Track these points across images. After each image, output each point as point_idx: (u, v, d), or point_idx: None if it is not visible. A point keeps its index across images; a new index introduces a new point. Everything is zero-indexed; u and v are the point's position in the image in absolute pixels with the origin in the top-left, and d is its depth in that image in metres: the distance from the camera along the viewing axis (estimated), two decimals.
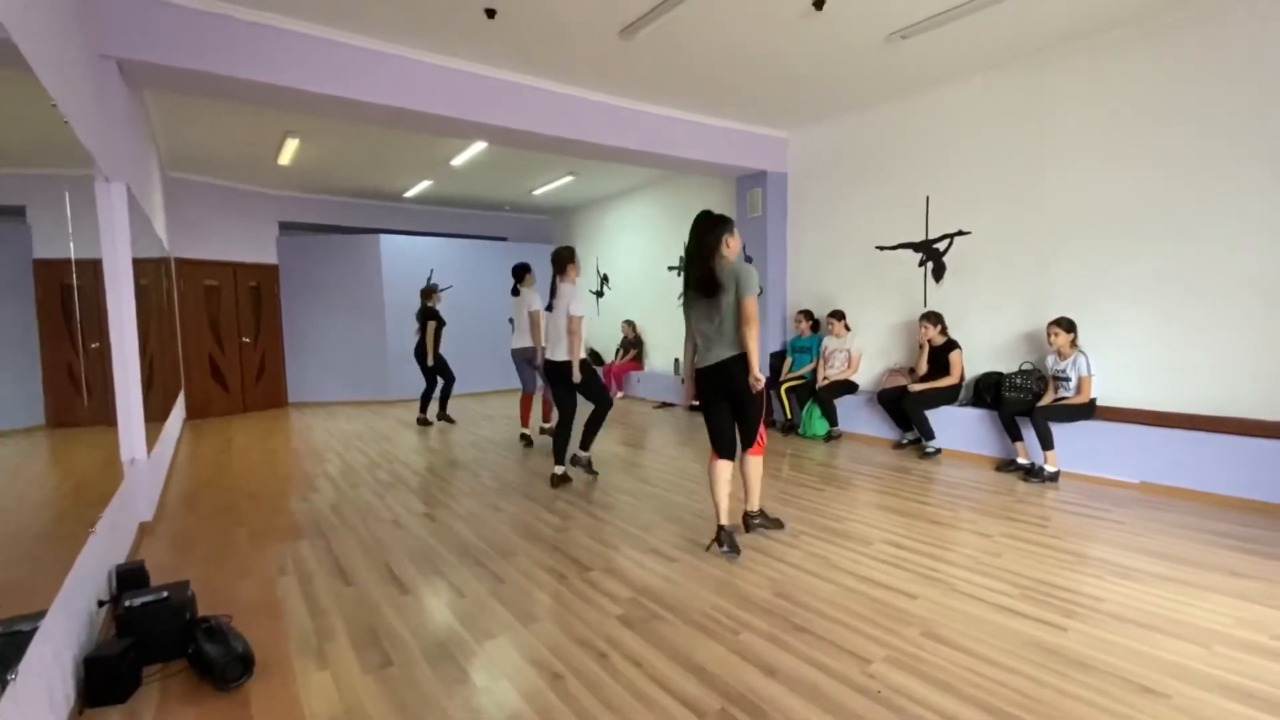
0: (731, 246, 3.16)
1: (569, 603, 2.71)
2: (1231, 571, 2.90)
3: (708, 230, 3.14)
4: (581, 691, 2.05)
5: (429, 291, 7.24)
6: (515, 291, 6.03)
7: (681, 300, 3.30)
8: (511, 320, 6.27)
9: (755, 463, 3.38)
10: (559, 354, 4.53)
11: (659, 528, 3.63)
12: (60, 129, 2.38)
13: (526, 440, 6.05)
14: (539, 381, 6.08)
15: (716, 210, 3.25)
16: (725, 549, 3.15)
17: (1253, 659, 2.17)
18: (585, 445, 4.78)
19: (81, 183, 2.80)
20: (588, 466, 4.77)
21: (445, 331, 7.36)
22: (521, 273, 5.97)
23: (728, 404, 3.24)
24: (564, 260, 4.67)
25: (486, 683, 2.12)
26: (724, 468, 3.26)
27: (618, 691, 2.05)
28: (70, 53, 2.78)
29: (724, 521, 3.23)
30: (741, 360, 3.09)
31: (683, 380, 3.21)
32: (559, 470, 4.54)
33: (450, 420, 7.26)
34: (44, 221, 2.20)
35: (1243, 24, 3.90)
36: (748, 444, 3.32)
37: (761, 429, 3.31)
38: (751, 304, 3.04)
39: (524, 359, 6.05)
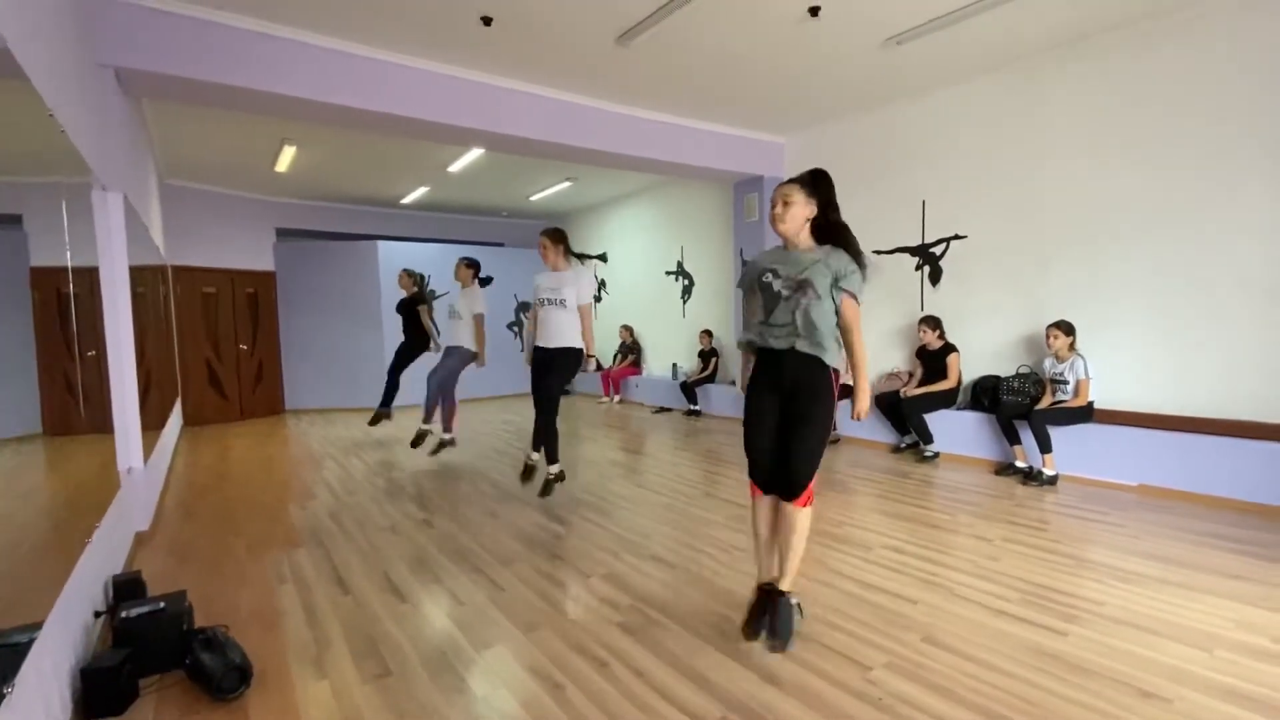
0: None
1: (569, 610, 2.70)
2: (1231, 574, 2.90)
3: None
4: (582, 700, 2.04)
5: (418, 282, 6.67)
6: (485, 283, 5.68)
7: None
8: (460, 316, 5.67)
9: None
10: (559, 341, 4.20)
11: (658, 534, 3.62)
12: (57, 137, 2.37)
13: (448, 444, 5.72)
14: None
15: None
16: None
17: (1253, 663, 2.17)
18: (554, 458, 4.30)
19: (78, 191, 2.79)
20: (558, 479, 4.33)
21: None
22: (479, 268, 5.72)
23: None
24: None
25: (486, 692, 2.11)
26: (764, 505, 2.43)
27: (618, 700, 2.04)
28: (68, 61, 2.77)
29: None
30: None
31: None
32: (555, 470, 4.30)
33: (389, 418, 6.57)
34: (40, 229, 2.20)
35: (1233, 25, 3.93)
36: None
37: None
38: None
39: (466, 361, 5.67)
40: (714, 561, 3.18)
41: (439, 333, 6.49)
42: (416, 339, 6.53)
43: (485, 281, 5.75)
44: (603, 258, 5.36)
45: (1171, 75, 4.21)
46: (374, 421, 6.47)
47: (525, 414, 7.00)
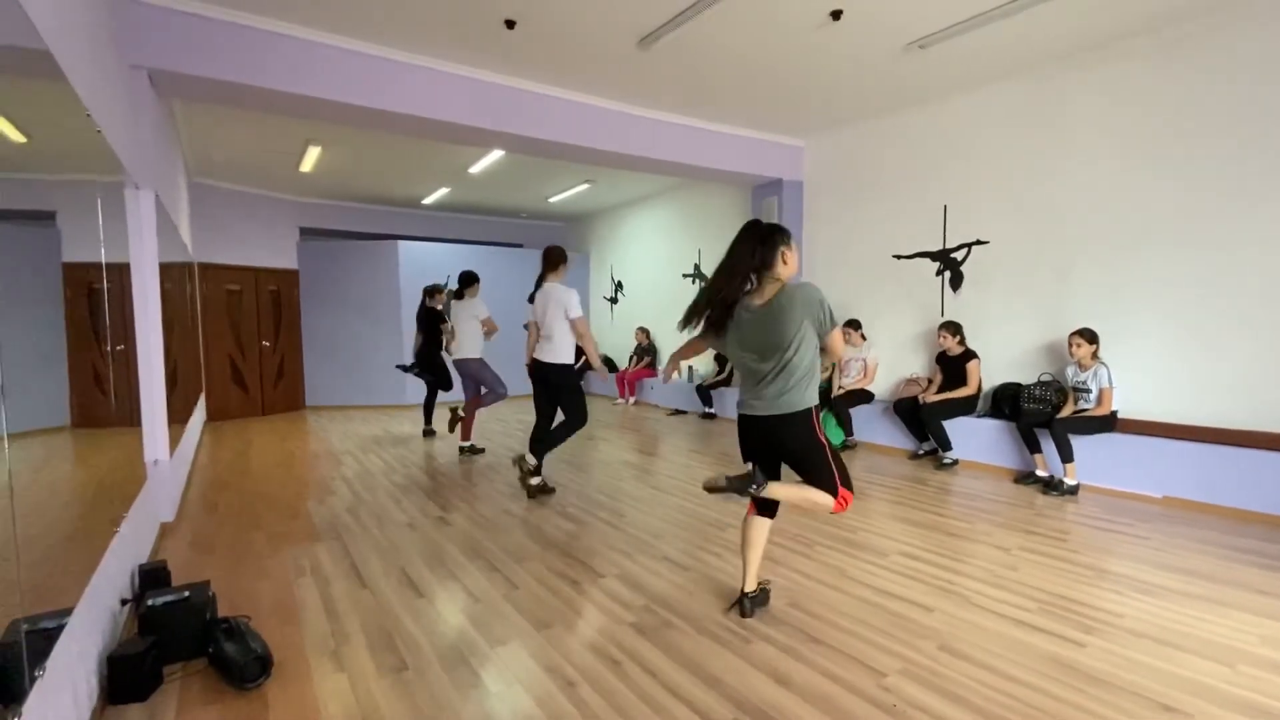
0: (790, 263, 2.44)
1: (582, 609, 2.72)
2: (1256, 589, 2.84)
3: (760, 241, 2.40)
4: (594, 698, 2.06)
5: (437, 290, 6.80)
6: (459, 295, 5.84)
7: (697, 328, 2.58)
8: (449, 328, 5.90)
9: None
10: (549, 355, 4.34)
11: (671, 535, 3.62)
12: (92, 137, 2.44)
13: (476, 450, 5.86)
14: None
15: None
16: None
17: (1277, 679, 2.12)
18: (539, 453, 4.41)
19: (111, 189, 2.86)
20: (534, 473, 4.37)
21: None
22: (471, 280, 5.84)
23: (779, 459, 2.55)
24: (557, 259, 4.49)
25: (500, 688, 2.13)
26: (758, 525, 2.61)
27: (630, 699, 2.05)
28: (104, 64, 2.85)
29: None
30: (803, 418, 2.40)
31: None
32: (534, 468, 4.40)
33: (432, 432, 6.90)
34: (73, 226, 2.26)
35: (1258, 32, 3.86)
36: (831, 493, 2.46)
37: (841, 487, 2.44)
38: (834, 337, 2.41)
39: (469, 370, 5.83)
40: (726, 564, 3.18)
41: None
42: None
43: (459, 294, 5.92)
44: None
45: (1195, 82, 4.14)
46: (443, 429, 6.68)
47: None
